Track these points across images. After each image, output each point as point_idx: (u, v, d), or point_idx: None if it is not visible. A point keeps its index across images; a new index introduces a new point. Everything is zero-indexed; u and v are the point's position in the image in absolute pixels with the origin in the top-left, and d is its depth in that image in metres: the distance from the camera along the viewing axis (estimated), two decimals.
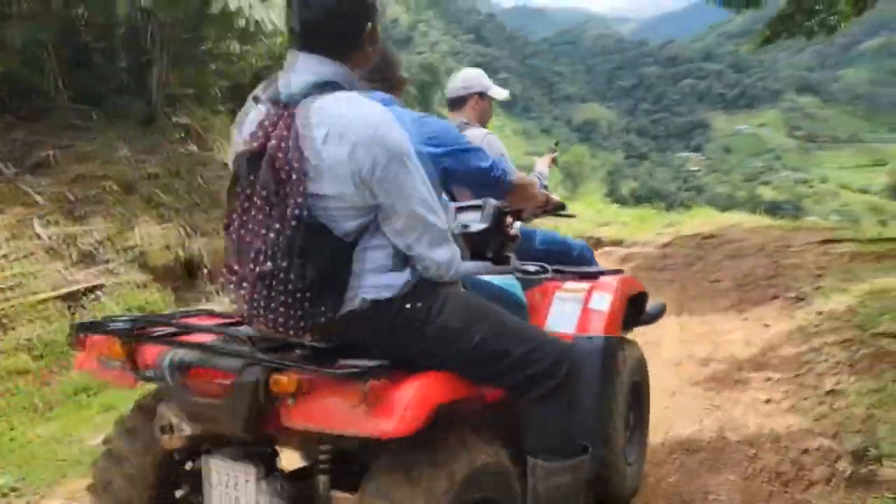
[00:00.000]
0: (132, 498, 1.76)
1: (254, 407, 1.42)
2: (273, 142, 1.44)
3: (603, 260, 8.14)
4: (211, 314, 2.04)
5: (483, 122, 3.10)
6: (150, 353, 1.61)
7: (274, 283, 1.44)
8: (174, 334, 1.69)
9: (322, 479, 1.59)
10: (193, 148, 7.94)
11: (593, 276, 2.53)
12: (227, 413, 1.46)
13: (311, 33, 1.53)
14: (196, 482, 1.75)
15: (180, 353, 1.55)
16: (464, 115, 3.04)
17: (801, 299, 5.40)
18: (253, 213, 1.46)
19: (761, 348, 4.65)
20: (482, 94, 3.06)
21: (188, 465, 1.81)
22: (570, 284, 2.46)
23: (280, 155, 1.42)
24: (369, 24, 1.59)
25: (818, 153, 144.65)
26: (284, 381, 1.38)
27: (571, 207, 3.13)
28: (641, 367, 2.79)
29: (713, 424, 3.47)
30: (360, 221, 1.51)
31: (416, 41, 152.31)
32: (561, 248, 2.93)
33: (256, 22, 6.60)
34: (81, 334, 1.73)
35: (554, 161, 3.16)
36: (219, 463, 1.66)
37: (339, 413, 1.38)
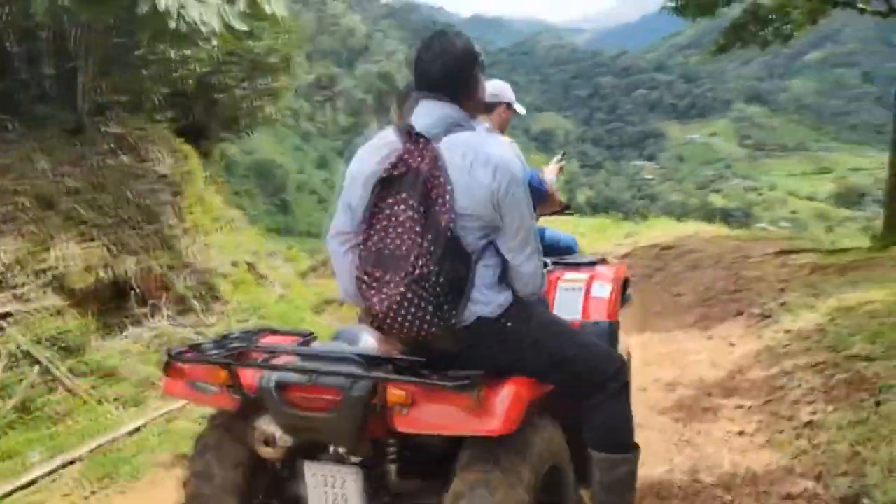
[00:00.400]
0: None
1: (362, 417, 1.67)
2: (423, 168, 1.72)
3: None
4: (274, 332, 2.18)
5: (503, 132, 3.20)
6: (251, 375, 1.81)
7: (426, 285, 1.65)
8: (271, 358, 1.88)
9: (392, 469, 1.83)
10: (125, 159, 7.37)
11: (590, 266, 2.78)
12: (336, 423, 1.70)
13: (437, 83, 1.86)
14: (286, 488, 1.97)
15: (281, 375, 1.76)
16: (488, 122, 3.07)
17: (767, 316, 5.18)
18: (399, 227, 1.70)
19: (729, 371, 4.38)
20: (508, 105, 3.21)
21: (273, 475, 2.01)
22: (570, 275, 2.73)
23: (431, 179, 1.70)
24: (480, 75, 1.93)
25: (767, 161, 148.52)
26: (400, 392, 1.63)
27: None
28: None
29: (685, 463, 3.15)
30: (484, 239, 1.79)
31: (372, 50, 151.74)
32: (551, 241, 3.21)
33: (190, 24, 6.14)
34: (175, 362, 1.89)
35: (561, 170, 3.36)
36: (320, 467, 1.85)
37: (451, 417, 1.61)
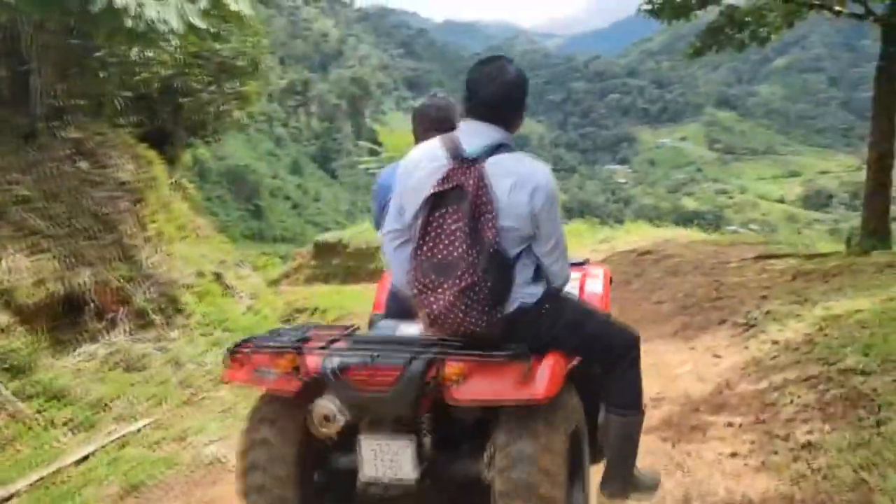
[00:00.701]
0: (281, 475, 2.14)
1: (418, 393, 1.90)
2: (469, 188, 1.93)
3: None
4: (320, 327, 2.40)
5: None
6: (314, 360, 2.03)
7: (474, 293, 1.92)
8: (331, 345, 2.09)
9: (435, 439, 2.08)
10: (83, 166, 7.01)
11: (580, 266, 2.90)
12: (393, 400, 1.92)
13: (488, 109, 2.05)
14: (338, 462, 2.23)
15: (341, 359, 1.98)
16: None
17: (752, 325, 5.01)
18: (449, 237, 1.94)
19: (716, 384, 4.19)
20: None
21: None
22: None
23: (477, 198, 1.93)
24: (525, 100, 2.15)
25: (737, 165, 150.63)
26: (457, 367, 1.88)
27: None
28: None
29: (676, 490, 2.94)
30: (521, 248, 2.05)
31: (346, 55, 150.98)
32: None
33: (148, 22, 5.82)
34: (239, 351, 2.11)
35: None
36: (375, 440, 2.09)
37: (502, 387, 1.87)
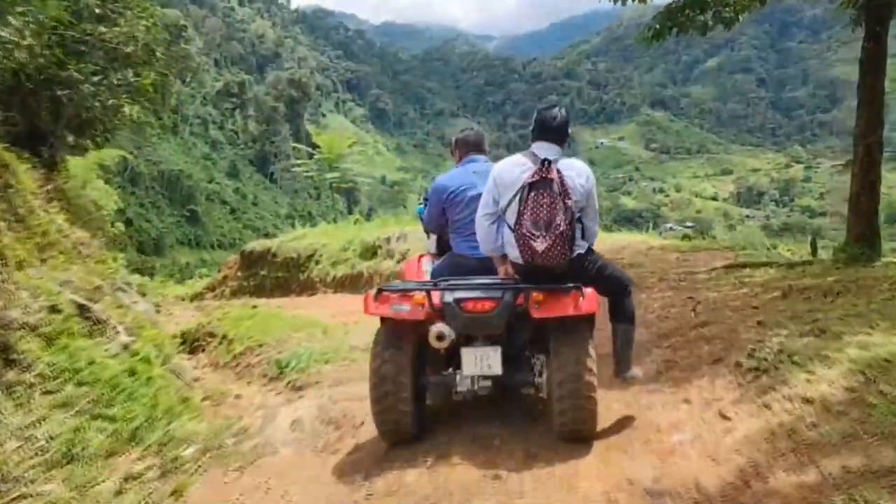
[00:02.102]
0: (402, 381, 3.50)
1: (511, 313, 3.39)
2: (554, 178, 3.42)
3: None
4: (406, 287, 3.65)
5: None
6: (437, 297, 3.43)
7: (564, 238, 3.37)
8: (451, 288, 3.46)
9: (507, 349, 3.55)
10: None
11: None
12: (493, 320, 3.38)
13: (553, 136, 3.63)
14: (444, 366, 3.77)
15: (457, 294, 3.40)
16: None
17: (763, 370, 3.81)
18: (544, 208, 3.39)
19: (737, 471, 2.95)
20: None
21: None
22: None
23: (560, 184, 3.42)
24: (569, 131, 3.72)
25: (672, 164, 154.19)
26: (539, 295, 3.38)
27: None
28: None
29: None
30: (578, 215, 3.52)
31: (283, 57, 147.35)
32: None
33: None
34: (383, 292, 3.51)
35: None
36: (474, 349, 3.49)
37: (567, 306, 3.34)
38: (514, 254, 3.52)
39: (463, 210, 3.91)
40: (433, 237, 4.35)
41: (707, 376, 4.10)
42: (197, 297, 16.65)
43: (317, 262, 13.71)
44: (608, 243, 9.95)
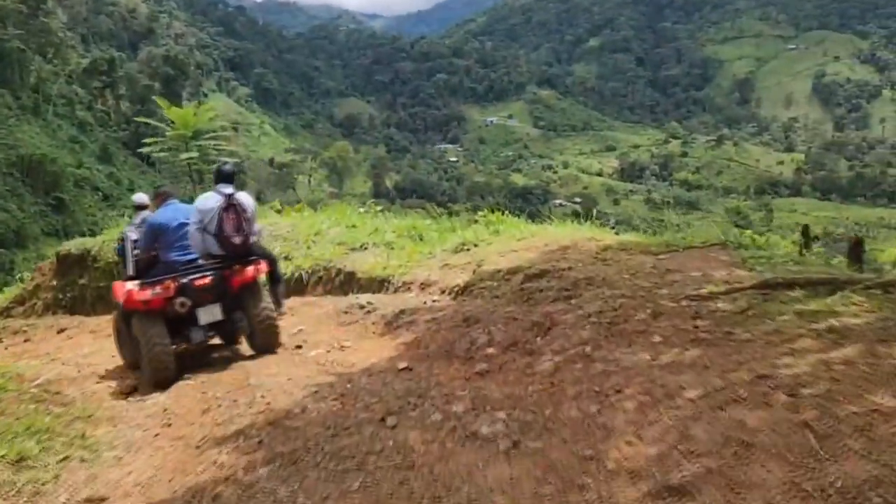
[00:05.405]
0: (165, 341, 5.19)
1: (222, 282, 5.47)
2: (236, 204, 5.54)
3: (362, 331, 6.05)
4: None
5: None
6: (177, 280, 5.36)
7: (247, 235, 5.75)
8: (184, 274, 5.41)
9: (223, 304, 5.66)
10: None
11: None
12: (214, 287, 5.42)
13: (228, 178, 5.65)
14: None
15: (189, 277, 5.37)
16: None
17: None
18: (233, 221, 5.53)
19: None
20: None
21: None
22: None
23: (241, 206, 5.62)
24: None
25: (559, 141, 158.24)
26: (235, 268, 5.55)
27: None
28: None
29: None
30: (251, 221, 5.92)
31: (158, 33, 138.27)
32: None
33: None
34: (143, 286, 5.32)
35: None
36: (205, 308, 5.44)
37: (250, 274, 5.62)
38: (216, 249, 5.42)
39: (173, 234, 5.60)
40: (131, 263, 5.74)
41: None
42: (2, 313, 12.28)
43: None
44: (534, 241, 7.15)
